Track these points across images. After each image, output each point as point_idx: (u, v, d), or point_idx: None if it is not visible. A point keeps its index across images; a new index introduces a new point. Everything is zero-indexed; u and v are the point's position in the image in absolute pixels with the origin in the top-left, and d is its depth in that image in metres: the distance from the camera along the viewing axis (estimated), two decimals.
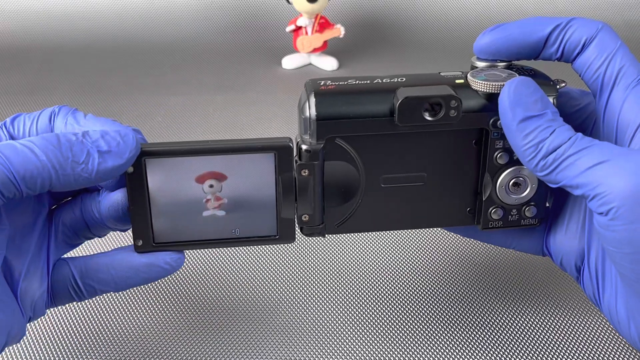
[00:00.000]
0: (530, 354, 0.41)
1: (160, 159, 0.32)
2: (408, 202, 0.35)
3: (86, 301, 0.45)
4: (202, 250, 0.51)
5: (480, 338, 0.42)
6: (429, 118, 0.33)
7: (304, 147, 0.33)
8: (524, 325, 0.43)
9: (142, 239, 0.33)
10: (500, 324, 0.43)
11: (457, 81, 0.33)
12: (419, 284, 0.47)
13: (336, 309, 0.45)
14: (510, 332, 0.43)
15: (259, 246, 0.51)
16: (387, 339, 0.42)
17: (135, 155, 0.31)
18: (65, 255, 0.35)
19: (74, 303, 0.45)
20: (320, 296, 0.46)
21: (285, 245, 0.51)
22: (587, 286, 0.35)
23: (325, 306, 0.45)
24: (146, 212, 0.33)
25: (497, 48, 0.33)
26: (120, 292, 0.46)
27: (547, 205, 0.37)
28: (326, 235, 0.36)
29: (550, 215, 0.37)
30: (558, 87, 0.33)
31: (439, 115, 0.33)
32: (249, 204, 0.34)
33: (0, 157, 0.28)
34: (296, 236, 0.35)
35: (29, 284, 0.32)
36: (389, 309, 0.45)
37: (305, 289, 0.47)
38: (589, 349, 0.41)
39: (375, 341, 0.42)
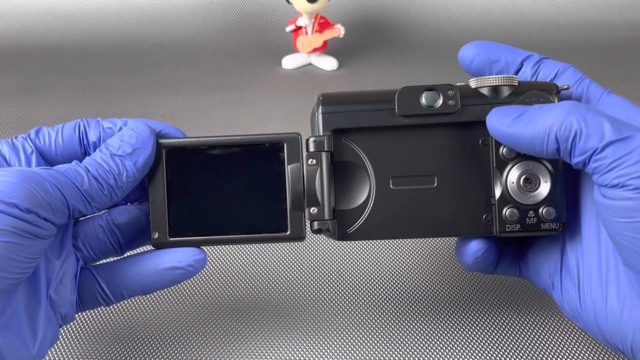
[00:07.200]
0: (528, 354, 0.41)
1: (178, 151, 0.35)
2: (420, 206, 0.36)
3: None
4: None
5: (479, 339, 0.42)
6: (427, 105, 0.34)
7: (311, 139, 0.35)
8: (521, 325, 0.43)
9: (158, 231, 0.35)
10: (498, 324, 0.43)
11: (458, 84, 0.35)
12: (417, 285, 0.47)
13: (335, 310, 0.45)
14: (508, 332, 0.43)
15: (268, 244, 0.51)
16: (386, 340, 0.42)
17: (154, 140, 0.34)
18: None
19: None
20: (320, 297, 0.46)
21: (285, 246, 0.51)
22: (567, 296, 0.34)
23: (324, 306, 0.45)
24: (163, 204, 0.35)
25: (479, 56, 0.36)
26: None
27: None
28: (339, 242, 0.37)
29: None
30: (560, 89, 0.34)
31: (438, 104, 0.34)
32: (260, 198, 0.35)
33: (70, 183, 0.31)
34: (306, 234, 0.36)
35: (61, 293, 0.33)
36: (388, 309, 0.45)
37: (305, 289, 0.47)
38: (587, 349, 0.41)
39: (374, 341, 0.42)
